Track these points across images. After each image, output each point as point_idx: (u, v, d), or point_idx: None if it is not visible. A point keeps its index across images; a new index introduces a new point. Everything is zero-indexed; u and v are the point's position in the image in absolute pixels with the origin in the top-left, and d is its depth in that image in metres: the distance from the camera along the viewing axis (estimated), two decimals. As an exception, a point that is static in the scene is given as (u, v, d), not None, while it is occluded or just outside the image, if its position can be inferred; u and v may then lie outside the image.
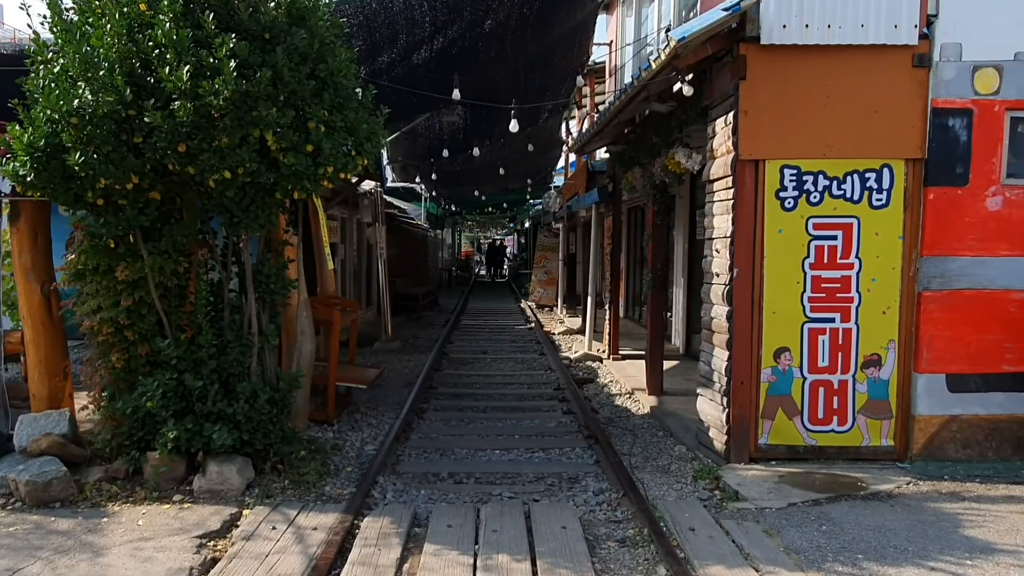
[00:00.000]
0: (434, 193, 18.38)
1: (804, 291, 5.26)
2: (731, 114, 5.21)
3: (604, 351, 10.78)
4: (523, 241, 43.86)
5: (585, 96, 15.80)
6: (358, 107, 4.91)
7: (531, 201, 28.51)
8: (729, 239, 5.26)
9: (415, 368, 9.90)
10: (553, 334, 13.78)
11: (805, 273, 5.26)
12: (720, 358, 5.44)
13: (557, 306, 18.26)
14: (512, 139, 12.44)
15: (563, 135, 15.29)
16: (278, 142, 4.38)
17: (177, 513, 4.46)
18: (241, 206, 4.71)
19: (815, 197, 5.21)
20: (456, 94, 7.86)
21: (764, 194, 5.20)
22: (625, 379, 8.98)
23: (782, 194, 5.21)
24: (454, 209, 26.20)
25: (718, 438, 5.50)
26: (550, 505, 4.71)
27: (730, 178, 5.26)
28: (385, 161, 13.15)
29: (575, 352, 11.20)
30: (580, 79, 9.85)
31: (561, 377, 9.17)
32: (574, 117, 16.94)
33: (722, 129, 5.41)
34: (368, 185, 10.76)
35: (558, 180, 21.83)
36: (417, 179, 14.20)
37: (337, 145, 4.61)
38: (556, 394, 8.38)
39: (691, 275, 10.16)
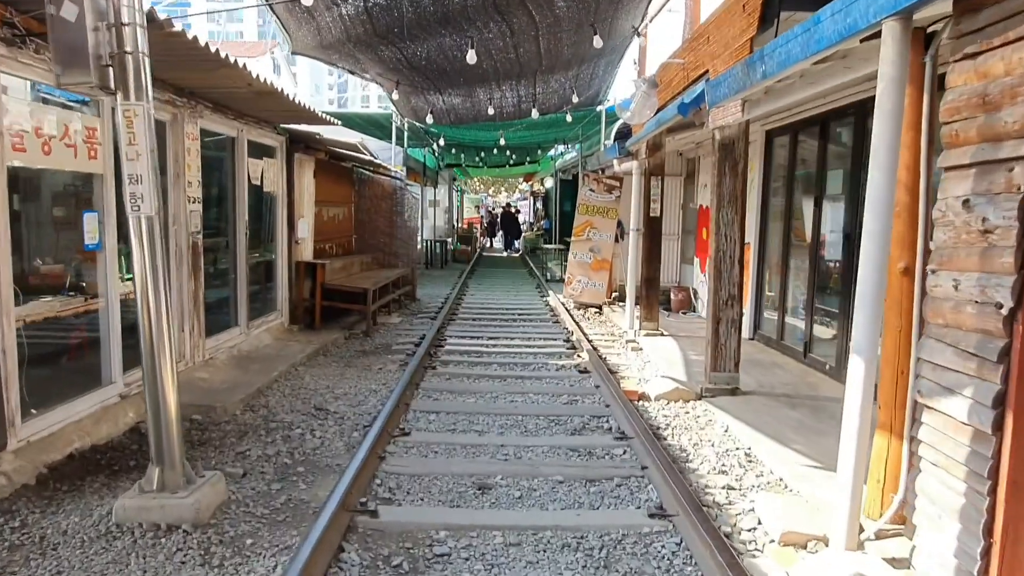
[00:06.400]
0: (395, 95, 10.04)
1: None
2: None
3: (875, 515, 2.97)
4: (539, 207, 35.68)
5: None
6: None
7: (564, 147, 20.39)
8: None
9: None
10: (647, 399, 5.93)
11: None
12: None
13: (625, 309, 10.45)
14: None
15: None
16: None
17: None
18: None
19: None
20: None
21: None
22: None
23: None
24: (442, 143, 17.67)
25: None
26: None
27: None
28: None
29: (777, 521, 3.35)
30: None
31: None
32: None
33: None
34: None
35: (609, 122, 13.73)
36: (342, 38, 6.12)
37: None
38: None
39: None
